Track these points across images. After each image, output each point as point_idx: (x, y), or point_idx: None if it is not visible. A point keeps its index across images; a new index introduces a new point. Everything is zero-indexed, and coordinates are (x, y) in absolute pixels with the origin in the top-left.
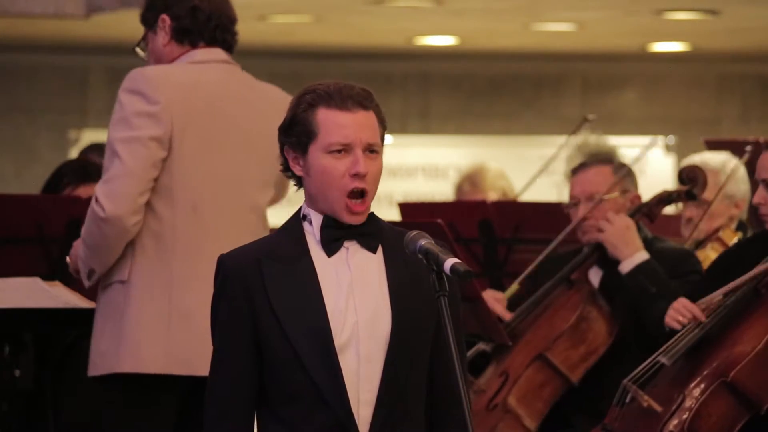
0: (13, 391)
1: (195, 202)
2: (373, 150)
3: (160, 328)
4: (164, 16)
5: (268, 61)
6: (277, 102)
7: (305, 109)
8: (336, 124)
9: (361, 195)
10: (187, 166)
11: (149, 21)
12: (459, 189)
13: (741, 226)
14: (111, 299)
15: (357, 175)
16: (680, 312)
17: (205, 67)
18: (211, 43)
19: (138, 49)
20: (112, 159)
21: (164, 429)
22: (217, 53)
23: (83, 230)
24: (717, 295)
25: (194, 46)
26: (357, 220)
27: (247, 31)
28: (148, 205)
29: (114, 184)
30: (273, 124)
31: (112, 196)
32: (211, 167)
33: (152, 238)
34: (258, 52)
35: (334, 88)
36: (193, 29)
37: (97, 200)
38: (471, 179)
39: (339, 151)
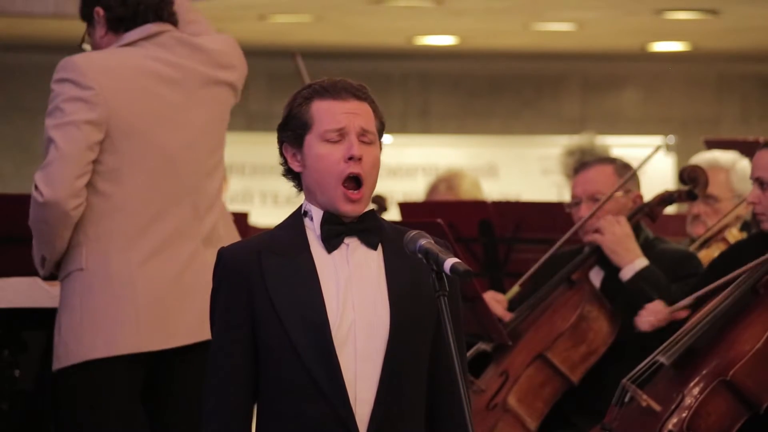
0: (13, 391)
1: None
2: (368, 138)
3: (128, 309)
4: (98, 9)
5: (268, 61)
6: (215, 54)
7: (300, 103)
8: (329, 111)
9: (357, 182)
10: (128, 147)
11: (86, 16)
12: (434, 189)
13: (745, 227)
14: (72, 289)
15: (352, 159)
16: (653, 313)
17: (132, 49)
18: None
19: (84, 45)
20: (48, 146)
21: (132, 405)
22: (145, 29)
23: (29, 218)
24: (688, 300)
25: (129, 31)
26: (354, 209)
27: (247, 31)
28: (96, 189)
29: (50, 168)
30: (214, 81)
31: (49, 181)
32: (152, 145)
33: (105, 223)
34: (258, 52)
35: (329, 82)
36: (126, 16)
37: (36, 187)
38: (448, 182)
39: (334, 140)
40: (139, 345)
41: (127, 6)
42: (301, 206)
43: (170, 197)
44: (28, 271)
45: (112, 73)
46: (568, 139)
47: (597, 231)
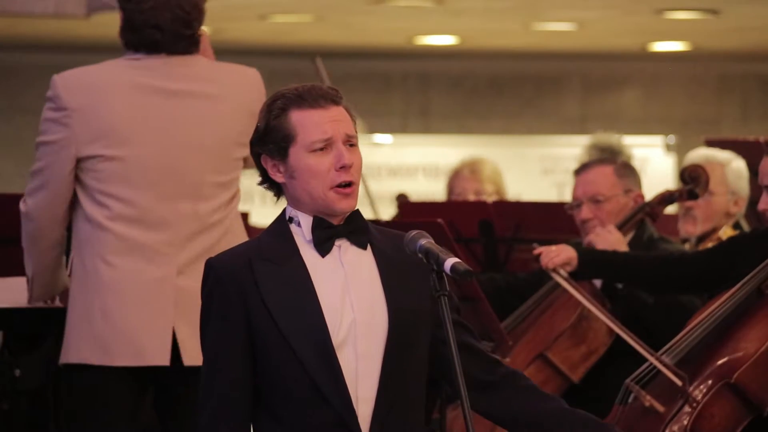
0: (13, 390)
1: (182, 226)
2: (352, 141)
3: (84, 321)
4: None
5: (268, 61)
6: (226, 81)
7: (277, 114)
8: (313, 122)
9: (348, 186)
10: (111, 166)
11: None
12: (457, 174)
13: (737, 226)
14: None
15: (344, 168)
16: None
17: (124, 62)
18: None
19: None
20: (36, 160)
21: (121, 420)
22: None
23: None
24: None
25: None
26: (350, 204)
27: (247, 31)
28: (79, 205)
29: (37, 190)
30: (219, 104)
31: (36, 198)
32: (137, 162)
33: (89, 237)
34: (258, 52)
35: (303, 90)
36: (139, 44)
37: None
38: (471, 167)
39: (321, 149)
40: (89, 357)
41: (144, 37)
42: (283, 212)
43: (152, 217)
44: None
45: (94, 90)
46: (568, 139)
47: (588, 244)
